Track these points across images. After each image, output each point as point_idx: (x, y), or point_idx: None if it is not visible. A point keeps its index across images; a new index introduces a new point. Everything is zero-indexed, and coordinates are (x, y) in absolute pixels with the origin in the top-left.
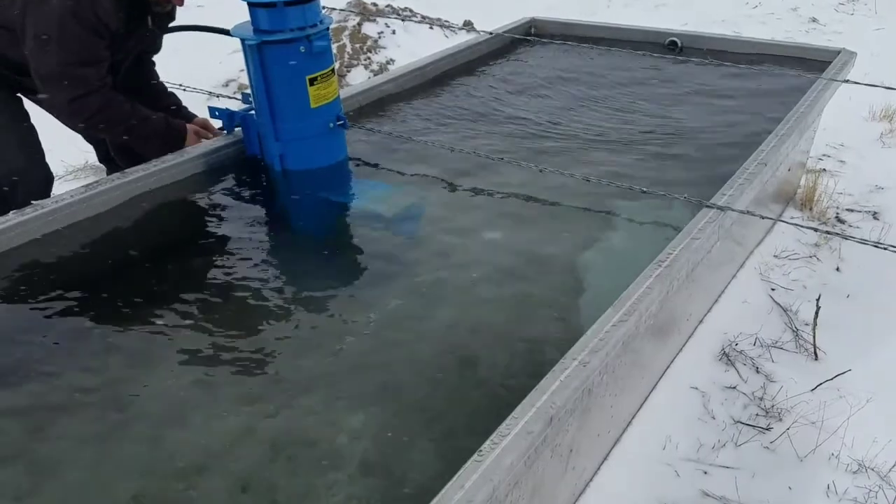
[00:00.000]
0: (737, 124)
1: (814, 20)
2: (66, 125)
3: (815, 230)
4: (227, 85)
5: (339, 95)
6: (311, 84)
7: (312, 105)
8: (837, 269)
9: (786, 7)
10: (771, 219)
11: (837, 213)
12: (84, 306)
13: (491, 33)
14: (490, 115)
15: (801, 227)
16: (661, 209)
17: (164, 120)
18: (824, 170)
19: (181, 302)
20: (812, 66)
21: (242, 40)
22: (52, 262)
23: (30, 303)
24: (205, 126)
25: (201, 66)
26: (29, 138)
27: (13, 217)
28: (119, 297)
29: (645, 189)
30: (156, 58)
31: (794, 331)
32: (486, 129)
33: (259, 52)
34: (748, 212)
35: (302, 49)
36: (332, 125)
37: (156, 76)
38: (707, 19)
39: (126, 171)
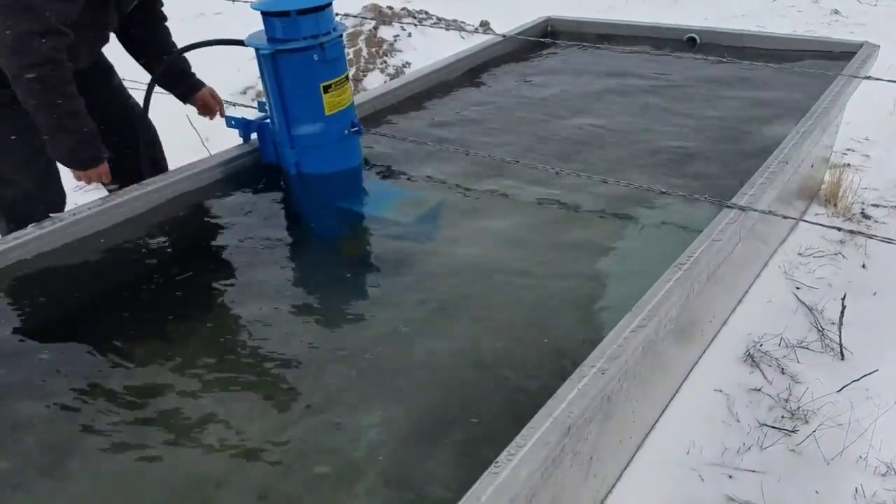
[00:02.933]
0: (758, 121)
1: (836, 12)
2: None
3: (839, 229)
4: (244, 92)
5: (353, 102)
6: (326, 91)
7: (327, 112)
8: (863, 266)
9: None
10: (793, 219)
11: (863, 209)
12: (103, 315)
13: (504, 36)
14: (506, 117)
15: (825, 226)
16: (682, 210)
17: (93, 133)
18: (848, 165)
19: (198, 310)
20: (835, 59)
21: (256, 49)
22: (71, 274)
23: (52, 313)
24: (212, 96)
25: (219, 74)
26: (39, 155)
27: (32, 231)
28: (138, 305)
29: (664, 190)
30: None
31: (819, 330)
32: (502, 131)
33: (273, 60)
34: (770, 212)
35: (315, 57)
36: (346, 132)
37: (164, 17)
38: (727, 14)
39: (144, 182)
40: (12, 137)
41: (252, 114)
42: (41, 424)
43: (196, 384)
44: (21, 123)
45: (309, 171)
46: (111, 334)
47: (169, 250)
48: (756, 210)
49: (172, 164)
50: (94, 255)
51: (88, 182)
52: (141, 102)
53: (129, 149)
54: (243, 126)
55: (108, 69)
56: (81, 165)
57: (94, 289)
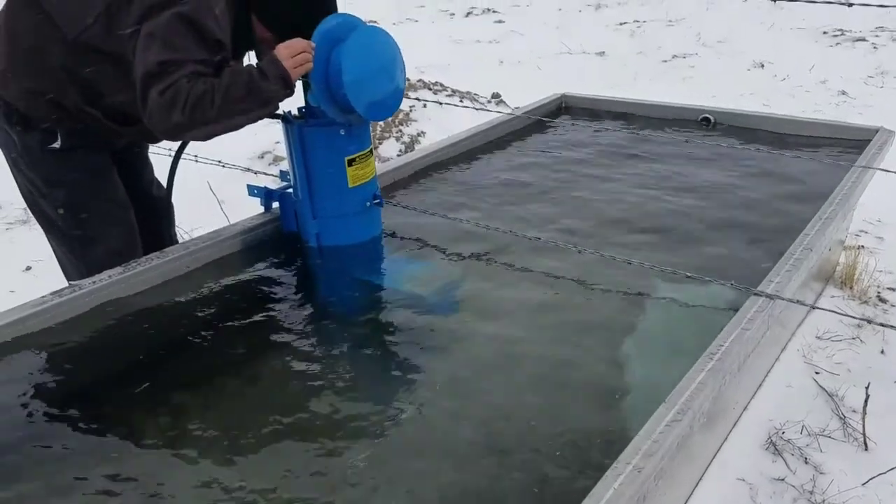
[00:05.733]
0: (775, 205)
1: (843, 93)
2: (169, 137)
3: (868, 321)
4: (262, 157)
5: (375, 174)
6: (350, 165)
7: (350, 185)
8: (882, 351)
9: (814, 80)
10: (819, 308)
11: (879, 293)
12: (115, 388)
13: (511, 113)
14: (524, 191)
15: (853, 316)
16: (706, 293)
17: (249, 69)
18: (862, 246)
19: (212, 384)
20: (851, 144)
21: (284, 121)
22: (85, 345)
23: (65, 386)
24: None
25: (237, 138)
26: (125, 214)
27: (51, 298)
28: (152, 379)
29: (689, 274)
30: None
31: (841, 418)
32: (519, 206)
33: (300, 132)
34: (798, 301)
35: (342, 132)
36: (368, 203)
37: None
38: (734, 92)
39: (164, 250)
40: (95, 194)
41: (272, 182)
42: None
43: (209, 459)
44: (100, 178)
45: (329, 242)
46: (123, 408)
47: (185, 321)
48: (783, 299)
49: (188, 226)
50: (110, 325)
51: (305, 62)
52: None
53: (152, 235)
54: (265, 195)
55: (145, 157)
56: (286, 87)
57: (105, 361)
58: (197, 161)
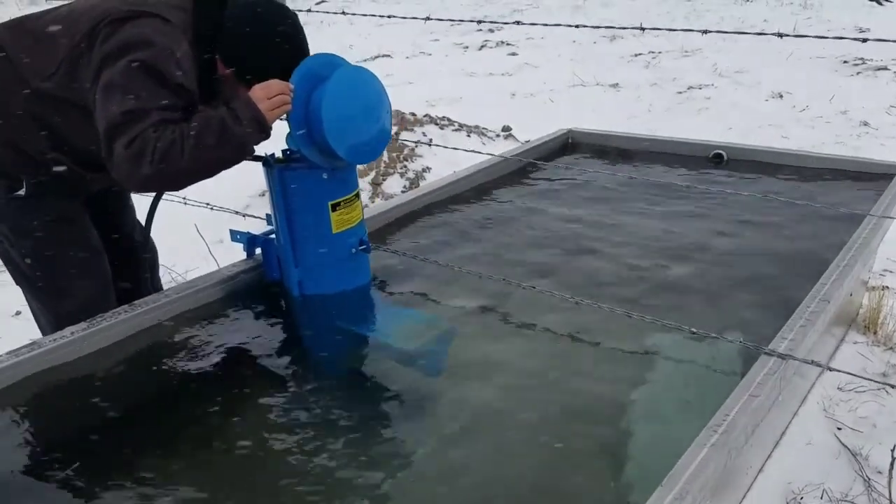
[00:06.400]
0: (791, 249)
1: (865, 124)
2: (139, 190)
3: (892, 386)
4: (263, 194)
5: (363, 219)
6: (334, 210)
7: (334, 230)
8: None
9: (835, 110)
10: (836, 370)
11: None
12: (75, 454)
13: (519, 147)
14: (523, 235)
15: (879, 382)
16: (714, 350)
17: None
18: (887, 287)
19: (188, 447)
20: (873, 180)
21: (264, 164)
22: (50, 406)
23: (30, 448)
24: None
25: (236, 176)
26: (98, 263)
27: (6, 358)
28: (122, 443)
29: (694, 330)
30: None
31: (865, 480)
32: (518, 251)
33: (280, 177)
34: (813, 362)
35: (325, 175)
36: (354, 250)
37: None
38: (752, 124)
39: (134, 303)
40: (63, 242)
41: (260, 226)
42: None
43: None
44: (69, 225)
45: (313, 290)
46: (87, 473)
47: (155, 381)
48: (797, 359)
49: (182, 269)
50: (69, 386)
51: (283, 104)
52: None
53: (130, 280)
54: (248, 241)
55: (125, 199)
56: (261, 131)
57: (69, 425)
58: (185, 203)
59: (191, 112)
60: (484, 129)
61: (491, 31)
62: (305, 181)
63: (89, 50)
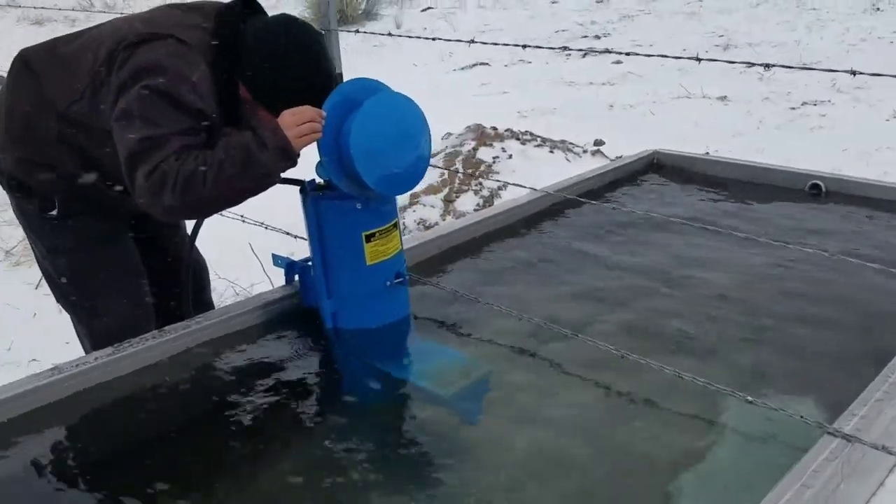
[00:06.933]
0: (890, 307)
1: None
2: (164, 218)
3: None
4: None
5: (401, 249)
6: (368, 241)
7: (368, 262)
8: None
9: None
10: None
11: None
12: (106, 484)
13: (594, 172)
14: (582, 273)
15: None
16: (771, 418)
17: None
18: None
19: (204, 478)
20: None
21: (301, 191)
22: (76, 430)
23: (51, 477)
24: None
25: (293, 192)
26: (134, 284)
27: (30, 381)
28: (149, 472)
29: (750, 399)
30: None
31: None
32: (572, 289)
33: (314, 203)
34: (883, 447)
35: (359, 205)
36: (389, 283)
37: None
38: (869, 146)
39: (164, 329)
40: (98, 262)
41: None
42: None
43: None
44: (105, 245)
45: (346, 324)
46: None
47: (176, 412)
48: (865, 443)
49: (246, 283)
50: (89, 414)
51: (312, 131)
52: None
53: (175, 300)
54: (287, 266)
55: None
56: (287, 159)
57: (99, 447)
58: (243, 221)
59: (213, 134)
60: (571, 143)
61: (597, 37)
62: (338, 210)
63: (108, 76)
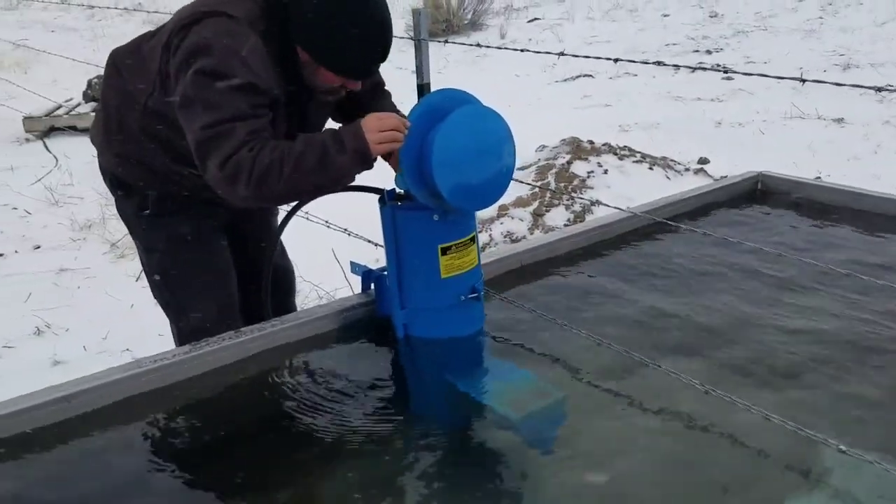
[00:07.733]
0: None
1: None
2: (240, 206)
3: None
4: None
5: (478, 264)
6: (444, 253)
7: (443, 275)
8: None
9: None
10: None
11: None
12: (172, 482)
13: (691, 193)
14: (670, 297)
15: None
16: (872, 473)
17: (325, 139)
18: None
19: (262, 483)
20: None
21: (379, 200)
22: (149, 427)
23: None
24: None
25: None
26: (221, 285)
27: (106, 375)
28: (219, 473)
29: (843, 448)
30: None
31: None
32: (658, 314)
33: (392, 215)
34: None
35: (435, 217)
36: (463, 297)
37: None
38: None
39: (240, 330)
40: (186, 262)
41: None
42: None
43: None
44: (194, 245)
45: (418, 335)
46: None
47: (252, 407)
48: None
49: (329, 287)
50: (175, 408)
51: (393, 140)
52: None
53: (256, 295)
54: (364, 274)
55: (268, 222)
56: (364, 163)
57: (165, 448)
58: (328, 227)
59: (277, 108)
60: (672, 160)
61: (708, 52)
62: (415, 221)
63: (167, 64)
